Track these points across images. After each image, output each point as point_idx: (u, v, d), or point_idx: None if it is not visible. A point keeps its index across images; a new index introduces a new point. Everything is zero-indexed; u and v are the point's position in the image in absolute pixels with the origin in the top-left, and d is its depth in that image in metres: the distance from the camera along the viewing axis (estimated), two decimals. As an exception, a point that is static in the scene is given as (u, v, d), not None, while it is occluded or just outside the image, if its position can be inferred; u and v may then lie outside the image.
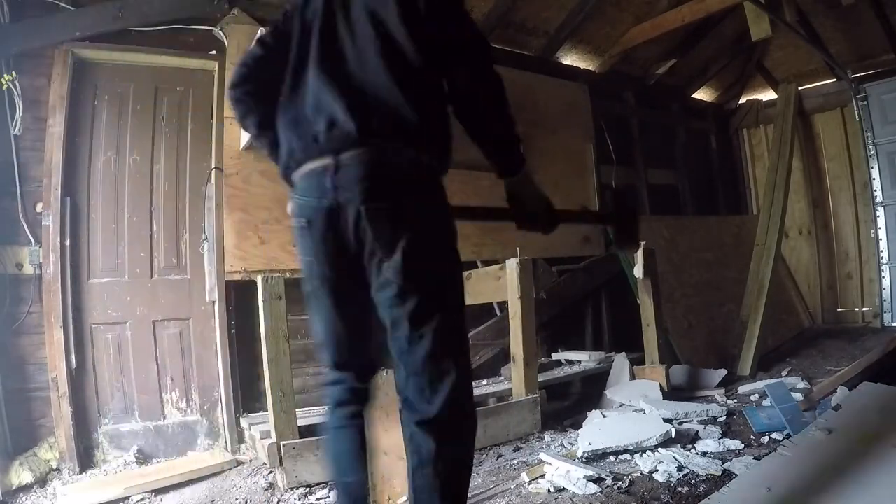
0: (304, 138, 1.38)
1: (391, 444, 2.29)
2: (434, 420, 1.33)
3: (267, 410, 2.61)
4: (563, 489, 2.05)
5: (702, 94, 5.68)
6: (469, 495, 1.65)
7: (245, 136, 2.88)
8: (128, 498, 2.34)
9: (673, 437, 2.45)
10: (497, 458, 2.53)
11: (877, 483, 1.69)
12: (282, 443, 2.35)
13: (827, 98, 5.10)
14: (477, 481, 2.23)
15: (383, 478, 2.17)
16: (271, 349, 2.43)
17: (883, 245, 4.65)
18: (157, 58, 2.96)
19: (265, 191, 3.02)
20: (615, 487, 2.04)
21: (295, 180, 1.43)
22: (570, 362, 3.61)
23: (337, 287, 1.46)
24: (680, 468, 2.16)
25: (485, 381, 3.38)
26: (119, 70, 2.92)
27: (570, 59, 4.54)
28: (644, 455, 2.32)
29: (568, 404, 3.38)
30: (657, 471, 2.16)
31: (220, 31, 3.02)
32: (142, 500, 2.35)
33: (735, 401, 3.12)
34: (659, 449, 2.38)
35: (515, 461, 2.46)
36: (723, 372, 3.52)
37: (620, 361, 3.38)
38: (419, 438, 1.34)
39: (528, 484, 2.13)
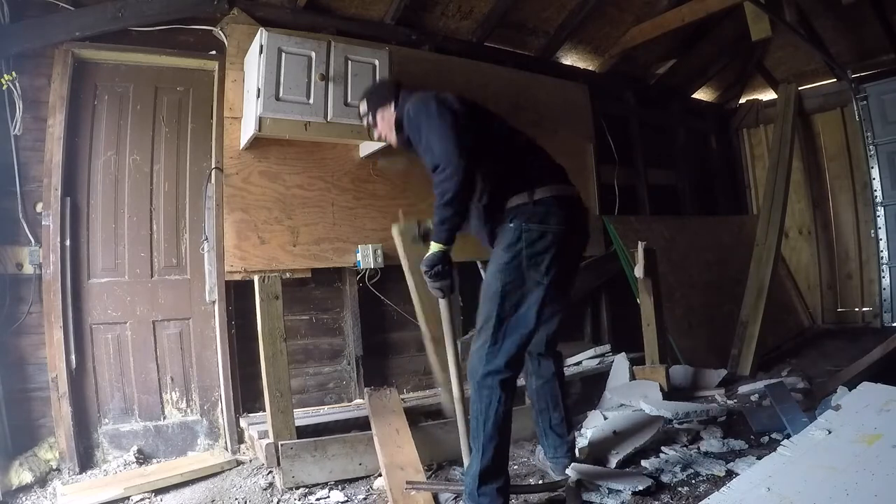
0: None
1: (405, 459, 2.29)
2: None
3: (266, 410, 2.61)
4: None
5: (702, 94, 5.68)
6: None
7: (246, 136, 2.88)
8: (128, 498, 2.34)
9: (668, 434, 2.45)
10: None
11: (876, 483, 1.69)
12: (279, 443, 2.35)
13: (827, 98, 5.10)
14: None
15: (403, 493, 2.15)
16: (268, 349, 2.43)
17: (883, 245, 4.64)
18: (157, 58, 2.95)
19: (265, 191, 3.02)
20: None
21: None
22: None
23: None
24: (684, 468, 2.16)
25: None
26: (119, 70, 2.91)
27: (570, 59, 4.54)
28: (648, 456, 2.32)
29: (567, 404, 3.37)
30: (662, 471, 2.16)
31: (220, 31, 3.02)
32: (142, 500, 2.35)
33: (735, 401, 3.12)
34: (663, 448, 2.38)
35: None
36: (723, 372, 3.52)
37: (620, 361, 3.37)
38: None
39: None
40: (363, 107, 2.39)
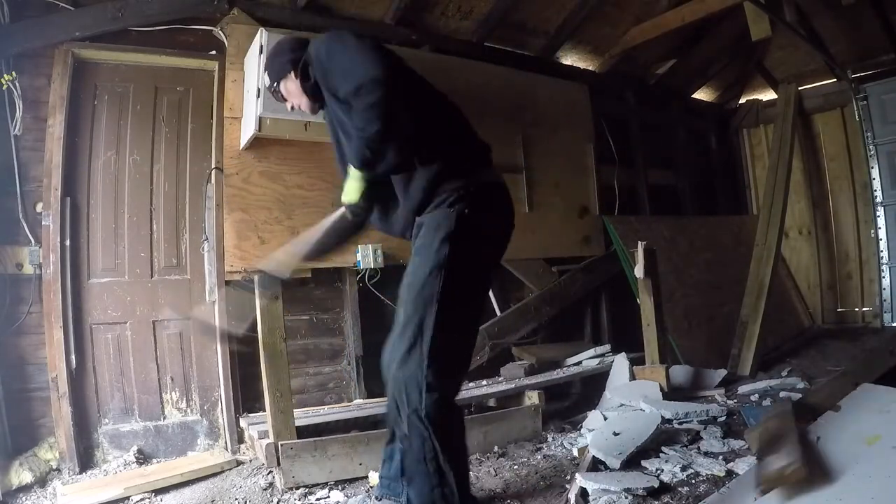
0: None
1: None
2: None
3: (266, 410, 2.61)
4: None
5: (702, 94, 5.68)
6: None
7: (246, 136, 2.88)
8: (128, 498, 2.34)
9: (668, 434, 2.44)
10: (501, 458, 2.55)
11: (875, 485, 1.69)
12: (279, 443, 2.35)
13: (827, 98, 5.09)
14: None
15: None
16: (268, 349, 2.43)
17: (883, 245, 4.64)
18: (157, 58, 2.95)
19: (265, 191, 3.02)
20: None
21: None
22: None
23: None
24: (684, 468, 2.16)
25: (484, 382, 3.37)
26: (119, 70, 2.91)
27: (570, 59, 4.54)
28: (648, 456, 2.32)
29: (568, 404, 3.38)
30: (662, 471, 2.16)
31: (220, 31, 3.02)
32: (142, 500, 2.35)
33: (735, 401, 3.12)
34: (663, 448, 2.38)
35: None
36: (723, 372, 3.52)
37: (620, 361, 3.37)
38: None
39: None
40: (266, 80, 2.06)
